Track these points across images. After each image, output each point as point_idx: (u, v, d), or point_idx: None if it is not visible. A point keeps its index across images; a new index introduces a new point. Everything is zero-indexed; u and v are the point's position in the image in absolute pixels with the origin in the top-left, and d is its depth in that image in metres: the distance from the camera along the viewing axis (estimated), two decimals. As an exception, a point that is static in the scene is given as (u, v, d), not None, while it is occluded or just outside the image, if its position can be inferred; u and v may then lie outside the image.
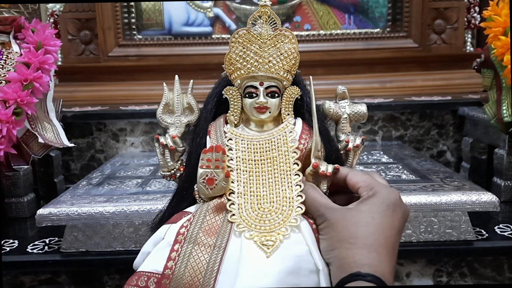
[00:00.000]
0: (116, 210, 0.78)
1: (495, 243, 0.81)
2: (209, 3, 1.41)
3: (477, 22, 1.45)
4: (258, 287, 0.45)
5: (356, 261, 0.43)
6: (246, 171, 0.54)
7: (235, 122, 0.58)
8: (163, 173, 0.61)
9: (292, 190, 0.53)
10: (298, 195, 0.52)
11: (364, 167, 1.03)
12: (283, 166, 0.54)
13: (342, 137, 0.59)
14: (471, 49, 1.50)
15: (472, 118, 1.16)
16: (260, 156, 0.55)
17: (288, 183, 0.53)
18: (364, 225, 0.45)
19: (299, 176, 0.53)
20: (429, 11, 1.38)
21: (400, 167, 1.01)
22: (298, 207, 0.52)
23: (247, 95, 0.56)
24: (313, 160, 0.52)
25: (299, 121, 0.58)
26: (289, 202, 0.52)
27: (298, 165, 0.54)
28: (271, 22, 0.56)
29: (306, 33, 1.41)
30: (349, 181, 0.52)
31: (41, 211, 0.78)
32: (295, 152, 0.54)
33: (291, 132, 0.56)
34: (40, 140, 0.93)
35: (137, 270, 0.51)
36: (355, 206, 0.48)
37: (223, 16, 1.42)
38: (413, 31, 1.38)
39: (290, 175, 0.54)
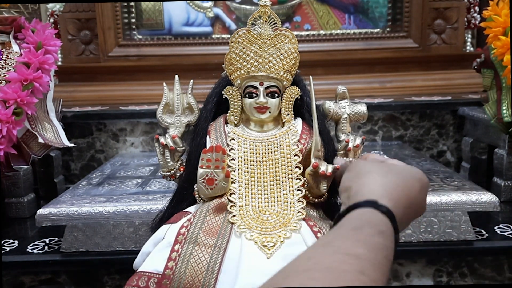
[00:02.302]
0: (116, 210, 0.78)
1: (495, 243, 0.81)
2: (209, 3, 1.41)
3: (477, 22, 1.45)
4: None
5: (374, 188, 0.41)
6: (248, 172, 0.54)
7: (235, 122, 0.58)
8: (163, 173, 0.61)
9: (293, 195, 0.53)
10: (299, 201, 0.52)
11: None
12: (285, 169, 0.54)
13: (342, 137, 0.59)
14: (471, 49, 1.50)
15: (472, 118, 1.16)
16: (262, 158, 0.55)
17: (289, 187, 0.53)
18: (393, 174, 0.44)
19: (301, 180, 0.53)
20: (429, 11, 1.38)
21: (400, 167, 1.01)
22: (299, 212, 0.52)
23: (247, 95, 0.56)
24: (313, 160, 0.52)
25: (299, 121, 0.58)
26: (290, 207, 0.52)
27: (300, 168, 0.54)
28: (271, 22, 0.56)
29: (306, 33, 1.41)
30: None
31: (41, 211, 0.78)
32: (297, 155, 0.54)
33: (294, 135, 0.56)
34: (40, 140, 0.93)
35: (138, 270, 0.51)
36: (388, 162, 0.48)
37: (223, 16, 1.42)
38: (413, 31, 1.38)
39: (291, 179, 0.54)
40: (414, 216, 0.44)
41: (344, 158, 0.57)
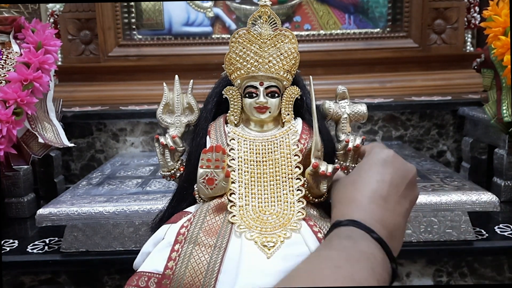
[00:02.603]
0: (116, 210, 0.78)
1: (495, 243, 0.81)
2: (209, 3, 1.41)
3: (477, 22, 1.45)
4: (259, 286, 0.45)
5: (337, 216, 0.45)
6: (248, 172, 0.54)
7: (235, 122, 0.58)
8: (163, 173, 0.60)
9: (293, 195, 0.53)
10: (299, 201, 0.53)
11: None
12: (285, 169, 0.54)
13: (342, 137, 0.59)
14: (471, 49, 1.50)
15: (472, 118, 1.16)
16: (262, 158, 0.55)
17: (289, 187, 0.53)
18: (350, 184, 0.47)
19: (301, 180, 0.53)
20: (429, 11, 1.38)
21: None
22: (299, 212, 0.52)
23: (247, 95, 0.56)
24: (313, 160, 0.52)
25: (299, 121, 0.58)
26: (290, 207, 0.52)
27: (300, 168, 0.54)
28: (271, 22, 0.56)
29: (306, 33, 1.41)
30: (360, 151, 0.55)
31: (41, 211, 0.79)
32: (297, 155, 0.54)
33: (294, 135, 0.56)
34: (40, 140, 0.93)
35: (138, 270, 0.51)
36: (351, 171, 0.51)
37: (223, 16, 1.42)
38: (413, 31, 1.38)
39: (291, 178, 0.54)
40: (409, 208, 0.47)
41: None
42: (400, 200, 0.45)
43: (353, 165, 0.58)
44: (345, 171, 0.58)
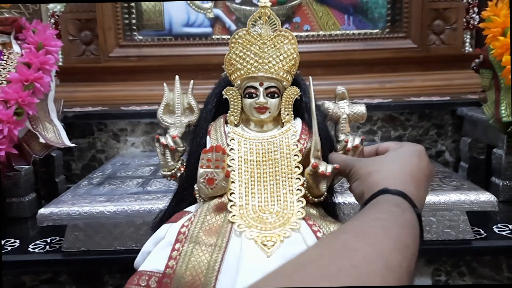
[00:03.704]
0: (117, 209, 0.78)
1: (493, 242, 0.81)
2: (209, 4, 1.41)
3: (476, 23, 1.45)
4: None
5: (383, 182, 0.45)
6: (248, 172, 0.54)
7: (235, 122, 0.58)
8: (164, 173, 0.61)
9: (293, 194, 0.53)
10: (299, 200, 0.53)
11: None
12: (284, 169, 0.54)
13: (341, 137, 0.59)
14: (470, 49, 1.50)
15: (470, 118, 1.17)
16: (262, 158, 0.55)
17: (289, 186, 0.54)
18: (389, 163, 0.49)
19: (300, 180, 0.54)
20: (428, 12, 1.39)
21: (399, 167, 1.01)
22: (299, 211, 0.52)
23: (247, 96, 0.57)
24: (312, 160, 0.52)
25: (298, 121, 0.58)
26: (290, 206, 0.53)
27: (299, 168, 0.54)
28: (271, 23, 0.56)
29: (306, 33, 1.42)
30: (381, 148, 0.55)
31: (42, 211, 0.79)
32: (297, 155, 0.55)
33: (293, 135, 0.56)
34: (41, 140, 0.93)
35: (138, 270, 0.52)
36: (382, 155, 0.52)
37: (223, 17, 1.42)
38: (412, 32, 1.38)
39: (291, 178, 0.54)
40: (427, 181, 0.49)
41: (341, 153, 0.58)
42: (426, 189, 0.49)
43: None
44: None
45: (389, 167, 0.48)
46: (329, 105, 0.60)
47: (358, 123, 1.06)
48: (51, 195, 1.02)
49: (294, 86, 0.58)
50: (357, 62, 1.38)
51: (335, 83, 1.00)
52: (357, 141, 0.58)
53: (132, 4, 1.38)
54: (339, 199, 0.61)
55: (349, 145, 0.58)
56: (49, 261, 0.79)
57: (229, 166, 0.55)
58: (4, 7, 1.39)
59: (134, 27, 1.41)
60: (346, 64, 1.37)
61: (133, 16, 1.40)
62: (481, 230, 0.84)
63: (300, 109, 0.59)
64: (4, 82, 0.91)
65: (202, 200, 0.56)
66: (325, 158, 0.55)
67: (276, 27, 0.56)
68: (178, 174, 0.61)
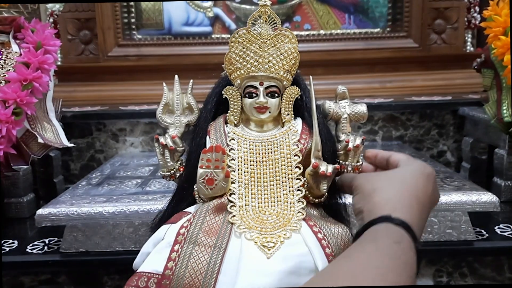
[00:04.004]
0: (115, 210, 0.78)
1: (495, 243, 0.80)
2: (209, 3, 1.41)
3: (477, 22, 1.45)
4: (259, 286, 0.45)
5: (385, 206, 0.44)
6: (248, 172, 0.54)
7: (235, 122, 0.58)
8: (163, 173, 0.60)
9: (293, 195, 0.53)
10: (299, 201, 0.52)
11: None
12: (284, 169, 0.54)
13: (342, 137, 0.58)
14: (471, 49, 1.50)
15: (472, 118, 1.16)
16: (262, 158, 0.55)
17: (289, 187, 0.53)
18: (398, 179, 0.47)
19: (301, 180, 0.53)
20: (429, 11, 1.38)
21: (400, 167, 1.01)
22: (299, 212, 0.52)
23: (247, 95, 0.56)
24: (313, 160, 0.52)
25: (299, 121, 0.58)
26: (290, 207, 0.52)
27: (300, 169, 0.54)
28: (271, 22, 0.56)
29: (306, 33, 1.41)
30: (392, 159, 0.53)
31: (40, 211, 0.78)
32: (297, 155, 0.54)
33: (293, 135, 0.55)
34: (40, 140, 0.92)
35: (137, 271, 0.51)
36: (389, 170, 0.51)
37: (223, 16, 1.42)
38: (413, 31, 1.38)
39: (291, 179, 0.54)
40: (430, 208, 0.47)
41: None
42: (428, 215, 0.47)
43: (359, 163, 0.58)
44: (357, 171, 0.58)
45: (394, 187, 0.46)
46: (330, 104, 0.59)
47: (359, 123, 1.05)
48: (50, 195, 1.02)
49: (295, 86, 0.57)
50: (358, 61, 1.38)
51: (336, 83, 1.00)
52: (358, 141, 0.57)
53: (132, 3, 1.38)
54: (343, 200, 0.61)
55: (350, 145, 0.57)
56: (47, 262, 0.79)
57: (229, 167, 0.54)
58: (3, 7, 1.38)
59: (134, 27, 1.40)
60: (346, 64, 1.37)
61: (133, 15, 1.39)
62: (482, 231, 0.83)
63: (301, 109, 0.58)
64: (2, 81, 0.90)
65: (201, 200, 0.55)
66: (326, 158, 0.55)
67: (276, 26, 0.56)
68: (178, 175, 0.60)
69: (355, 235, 0.44)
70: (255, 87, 0.56)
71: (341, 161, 0.58)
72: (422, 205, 0.45)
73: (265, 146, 0.55)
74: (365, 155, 0.58)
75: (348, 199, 0.73)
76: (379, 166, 0.56)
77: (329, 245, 0.49)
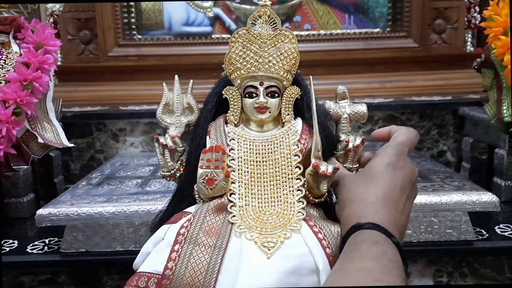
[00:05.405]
0: (116, 210, 0.78)
1: (495, 243, 0.81)
2: (209, 3, 1.41)
3: (477, 22, 1.45)
4: (259, 287, 0.45)
5: (354, 215, 0.46)
6: (248, 172, 0.54)
7: (235, 122, 0.58)
8: (163, 173, 0.60)
9: (293, 195, 0.53)
10: (299, 201, 0.52)
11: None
12: (285, 169, 0.54)
13: (342, 137, 0.58)
14: (471, 49, 1.50)
15: (472, 118, 1.16)
16: (262, 158, 0.55)
17: (289, 187, 0.53)
18: (363, 184, 0.48)
19: (301, 180, 0.53)
20: (429, 11, 1.38)
21: (400, 167, 1.01)
22: (299, 212, 0.52)
23: (247, 95, 0.56)
24: (313, 160, 0.52)
25: (299, 121, 0.58)
26: (290, 207, 0.52)
27: (300, 169, 0.54)
28: (271, 22, 0.56)
29: (306, 33, 1.41)
30: (392, 136, 0.55)
31: (40, 211, 0.78)
32: (297, 155, 0.54)
33: (294, 135, 0.55)
34: (40, 140, 0.92)
35: (137, 271, 0.51)
36: (360, 170, 0.53)
37: (223, 16, 1.42)
38: (413, 31, 1.38)
39: (291, 179, 0.54)
40: (405, 193, 0.48)
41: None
42: (406, 202, 0.48)
43: (355, 166, 0.58)
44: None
45: (361, 195, 0.47)
46: (330, 104, 0.59)
47: (359, 122, 1.05)
48: (50, 195, 1.02)
49: (295, 86, 0.57)
50: (358, 61, 1.37)
51: (336, 83, 1.00)
52: (358, 141, 0.58)
53: (132, 3, 1.38)
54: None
55: (350, 145, 0.57)
56: (47, 262, 0.79)
57: (229, 167, 0.54)
58: (3, 7, 1.38)
59: (134, 27, 1.40)
60: (346, 64, 1.37)
61: (133, 15, 1.39)
62: (483, 231, 0.83)
63: (301, 109, 0.58)
64: (2, 81, 0.90)
65: (201, 200, 0.55)
66: (326, 158, 0.55)
67: (276, 26, 0.56)
68: (178, 175, 0.60)
69: (339, 247, 0.47)
70: (255, 87, 0.56)
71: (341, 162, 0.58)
72: (393, 199, 0.46)
73: (265, 146, 0.55)
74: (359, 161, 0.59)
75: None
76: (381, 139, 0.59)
77: (329, 245, 0.49)
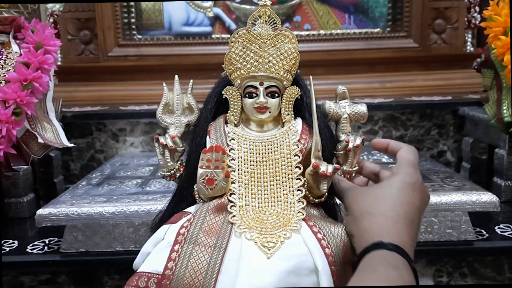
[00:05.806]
0: (115, 210, 0.78)
1: (495, 243, 0.80)
2: (209, 3, 1.41)
3: (477, 22, 1.45)
4: (259, 287, 0.45)
5: (375, 231, 0.45)
6: (248, 172, 0.54)
7: (235, 122, 0.58)
8: (163, 173, 0.60)
9: (293, 195, 0.53)
10: (299, 201, 0.52)
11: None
12: (285, 169, 0.54)
13: (342, 137, 0.58)
14: (471, 49, 1.50)
15: (472, 118, 1.16)
16: (262, 158, 0.55)
17: (289, 187, 0.53)
18: (383, 198, 0.47)
19: (301, 180, 0.53)
20: (429, 11, 1.38)
21: (400, 167, 1.01)
22: (299, 212, 0.52)
23: (247, 95, 0.56)
24: (313, 160, 0.52)
25: (299, 121, 0.58)
26: (290, 207, 0.52)
27: (300, 169, 0.54)
28: (271, 22, 0.56)
29: (306, 33, 1.41)
30: (380, 172, 0.55)
31: (40, 211, 0.78)
32: (297, 155, 0.54)
33: (294, 135, 0.55)
34: (40, 140, 0.92)
35: (137, 271, 0.51)
36: (376, 184, 0.52)
37: (223, 16, 1.41)
38: (413, 31, 1.38)
39: (291, 179, 0.54)
40: (420, 214, 0.48)
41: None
42: (419, 222, 0.48)
43: (355, 168, 0.58)
44: (348, 176, 0.58)
45: (380, 208, 0.47)
46: (330, 104, 0.59)
47: (359, 122, 1.05)
48: (50, 195, 1.02)
49: (295, 86, 0.57)
50: (358, 61, 1.37)
51: (336, 83, 1.00)
52: (358, 141, 0.58)
53: (132, 3, 1.38)
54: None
55: (350, 145, 0.57)
56: (47, 262, 0.79)
57: (229, 167, 0.54)
58: (3, 7, 1.38)
59: (134, 27, 1.40)
60: (346, 64, 1.37)
61: (133, 15, 1.39)
62: (483, 231, 0.83)
63: (301, 108, 0.58)
64: (2, 81, 0.90)
65: (201, 200, 0.55)
66: (326, 158, 0.55)
67: (276, 26, 0.56)
68: (178, 175, 0.60)
69: (354, 264, 0.45)
70: (255, 87, 0.56)
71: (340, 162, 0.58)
72: (411, 220, 0.46)
73: (265, 146, 0.55)
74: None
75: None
76: (369, 178, 0.57)
77: (328, 245, 0.49)
